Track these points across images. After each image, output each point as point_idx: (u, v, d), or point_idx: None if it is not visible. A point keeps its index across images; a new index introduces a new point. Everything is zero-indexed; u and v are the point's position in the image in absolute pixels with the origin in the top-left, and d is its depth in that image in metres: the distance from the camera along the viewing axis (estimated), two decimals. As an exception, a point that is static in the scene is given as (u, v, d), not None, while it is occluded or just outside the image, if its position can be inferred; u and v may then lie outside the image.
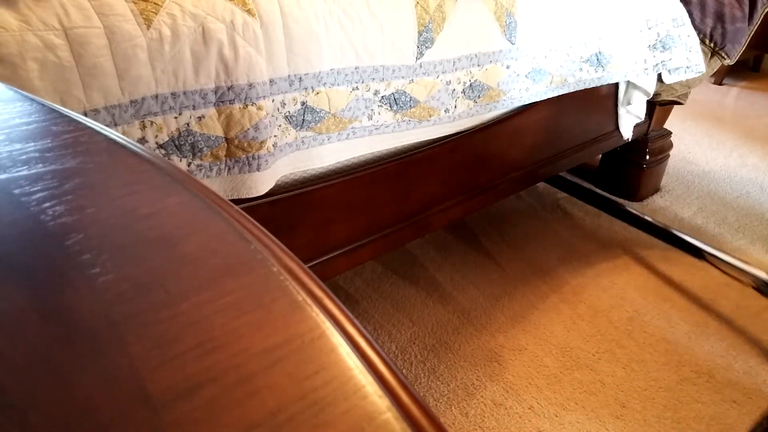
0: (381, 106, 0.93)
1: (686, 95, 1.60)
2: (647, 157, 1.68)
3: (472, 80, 1.05)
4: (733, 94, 2.81)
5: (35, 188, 0.27)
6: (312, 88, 0.83)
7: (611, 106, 1.50)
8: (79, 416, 0.17)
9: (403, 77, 0.94)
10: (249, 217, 0.26)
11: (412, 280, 1.37)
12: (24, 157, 0.29)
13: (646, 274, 1.41)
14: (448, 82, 1.01)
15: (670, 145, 1.77)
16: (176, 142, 0.73)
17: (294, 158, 0.87)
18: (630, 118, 1.54)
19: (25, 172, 0.28)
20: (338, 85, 0.86)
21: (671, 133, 1.75)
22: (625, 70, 1.33)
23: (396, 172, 1.03)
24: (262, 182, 0.81)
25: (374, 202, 1.02)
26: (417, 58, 0.94)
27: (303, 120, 0.84)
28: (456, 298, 1.31)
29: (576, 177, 1.86)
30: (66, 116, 0.34)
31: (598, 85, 1.30)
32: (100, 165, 0.29)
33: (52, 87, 0.61)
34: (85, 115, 0.64)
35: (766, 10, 1.53)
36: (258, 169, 0.80)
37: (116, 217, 0.25)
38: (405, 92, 0.95)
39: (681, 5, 1.41)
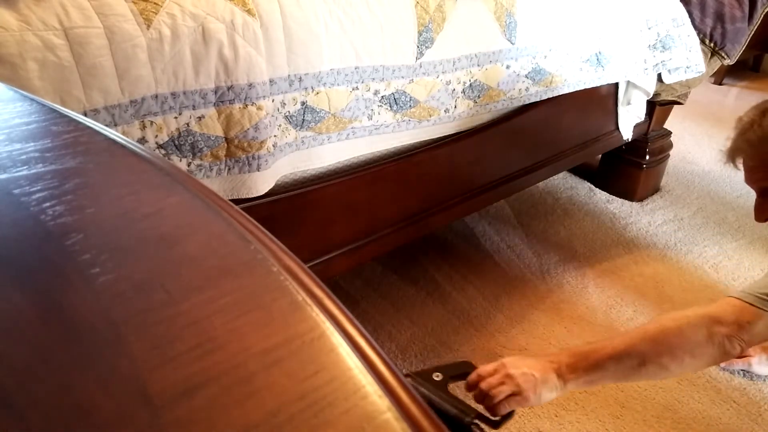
0: (381, 106, 0.93)
1: (686, 95, 1.60)
2: (647, 157, 1.68)
3: (472, 80, 1.05)
4: (733, 94, 2.81)
5: (35, 188, 0.27)
6: (312, 88, 0.83)
7: (611, 106, 1.50)
8: (79, 416, 0.17)
9: (403, 77, 0.94)
10: (249, 217, 0.26)
11: (412, 280, 1.37)
12: (24, 157, 0.29)
13: (646, 274, 1.41)
14: (448, 82, 1.01)
15: (670, 145, 1.76)
16: (176, 142, 0.73)
17: (294, 158, 0.87)
18: (630, 118, 1.54)
19: (25, 172, 0.28)
20: (338, 85, 0.86)
21: (671, 133, 1.75)
22: (625, 70, 1.33)
23: (396, 172, 1.03)
24: (262, 182, 0.81)
25: (374, 202, 1.02)
26: (417, 58, 0.94)
27: (303, 120, 0.84)
28: (456, 298, 1.31)
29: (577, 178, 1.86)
30: (66, 116, 0.34)
31: (598, 85, 1.30)
32: (100, 165, 0.29)
33: (52, 87, 0.61)
34: (85, 115, 0.64)
35: (766, 10, 1.53)
36: (258, 169, 0.80)
37: (116, 217, 0.25)
38: (405, 92, 0.95)
39: (681, 5, 1.41)
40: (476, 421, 0.68)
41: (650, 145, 1.68)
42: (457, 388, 0.79)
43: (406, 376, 0.77)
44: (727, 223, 1.65)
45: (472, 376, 0.75)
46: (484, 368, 0.75)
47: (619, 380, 0.86)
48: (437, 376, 0.75)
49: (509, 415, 0.74)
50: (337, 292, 1.29)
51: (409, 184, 1.07)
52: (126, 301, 0.21)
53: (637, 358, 0.73)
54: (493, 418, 0.73)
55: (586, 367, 0.73)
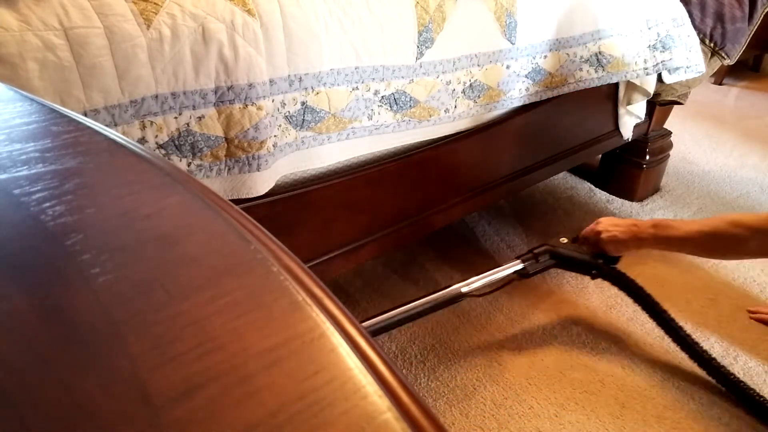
0: (381, 106, 0.93)
1: (686, 95, 1.60)
2: (647, 157, 1.68)
3: (472, 80, 1.05)
4: (733, 94, 2.81)
5: (35, 188, 0.27)
6: (312, 88, 0.83)
7: (611, 106, 1.50)
8: (79, 416, 0.17)
9: (403, 77, 0.94)
10: (249, 217, 0.26)
11: (412, 280, 1.37)
12: (24, 157, 0.29)
13: (647, 274, 1.40)
14: (448, 82, 1.01)
15: (670, 145, 1.76)
16: (176, 142, 0.73)
17: (294, 158, 0.87)
18: (630, 118, 1.54)
19: (25, 172, 0.28)
20: (338, 85, 0.86)
21: (671, 133, 1.75)
22: (625, 70, 1.33)
23: (396, 172, 1.03)
24: (262, 182, 0.81)
25: (374, 202, 1.02)
26: (417, 58, 0.94)
27: (303, 120, 0.84)
28: (456, 298, 1.31)
29: (578, 178, 1.86)
30: (66, 116, 0.34)
31: (598, 85, 1.30)
32: (100, 165, 0.29)
33: (52, 87, 0.61)
34: (85, 115, 0.64)
35: (766, 10, 1.53)
36: (258, 169, 0.80)
37: (116, 217, 0.25)
38: (405, 92, 0.95)
39: (681, 5, 1.41)
40: (601, 261, 1.11)
41: (650, 145, 1.68)
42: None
43: (542, 246, 1.15)
44: (727, 223, 1.64)
45: (587, 233, 1.14)
46: (589, 229, 1.14)
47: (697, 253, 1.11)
48: (564, 240, 1.15)
49: (619, 258, 1.13)
50: (337, 292, 1.30)
51: (409, 184, 1.07)
52: (126, 301, 0.21)
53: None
54: (612, 256, 1.12)
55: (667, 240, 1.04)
